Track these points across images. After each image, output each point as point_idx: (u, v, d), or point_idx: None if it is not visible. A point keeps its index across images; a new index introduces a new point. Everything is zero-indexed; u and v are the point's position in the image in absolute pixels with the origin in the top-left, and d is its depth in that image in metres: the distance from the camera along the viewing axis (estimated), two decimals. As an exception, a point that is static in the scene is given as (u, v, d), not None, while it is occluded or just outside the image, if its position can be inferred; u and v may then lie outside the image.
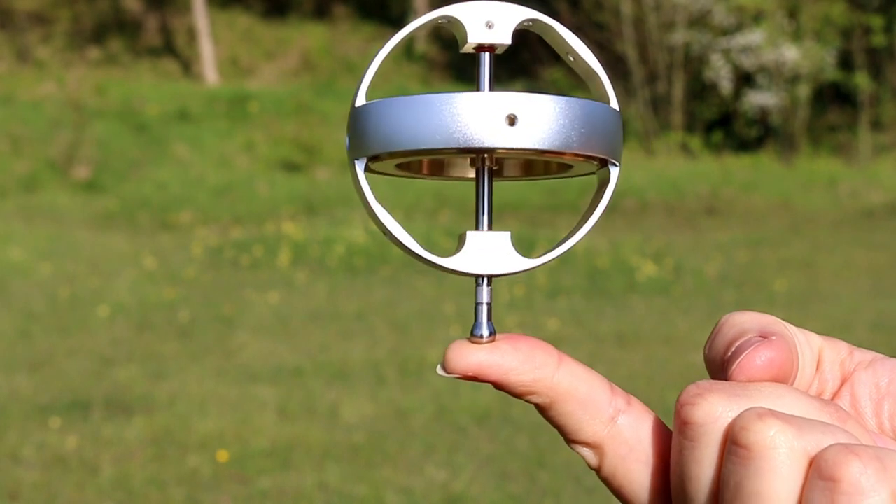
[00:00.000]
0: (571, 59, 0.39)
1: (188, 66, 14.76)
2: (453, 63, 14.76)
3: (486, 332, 0.37)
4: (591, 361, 4.40)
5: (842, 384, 0.39)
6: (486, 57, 0.38)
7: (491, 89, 0.38)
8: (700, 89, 12.71)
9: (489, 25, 0.38)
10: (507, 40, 0.38)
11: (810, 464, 0.33)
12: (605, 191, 0.38)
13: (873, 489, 0.32)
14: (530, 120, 0.36)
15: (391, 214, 0.37)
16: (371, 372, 4.27)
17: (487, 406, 3.72)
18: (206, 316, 5.28)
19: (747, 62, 12.31)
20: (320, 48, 15.05)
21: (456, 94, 0.36)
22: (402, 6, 15.53)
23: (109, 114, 11.60)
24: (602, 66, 0.39)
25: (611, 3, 12.71)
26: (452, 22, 0.38)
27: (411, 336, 4.89)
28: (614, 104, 0.38)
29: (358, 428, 3.60)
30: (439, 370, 0.37)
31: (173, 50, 15.19)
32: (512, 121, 0.35)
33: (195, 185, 9.66)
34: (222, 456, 3.31)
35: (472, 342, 0.37)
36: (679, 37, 12.50)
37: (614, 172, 0.38)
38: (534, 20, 0.38)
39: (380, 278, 6.24)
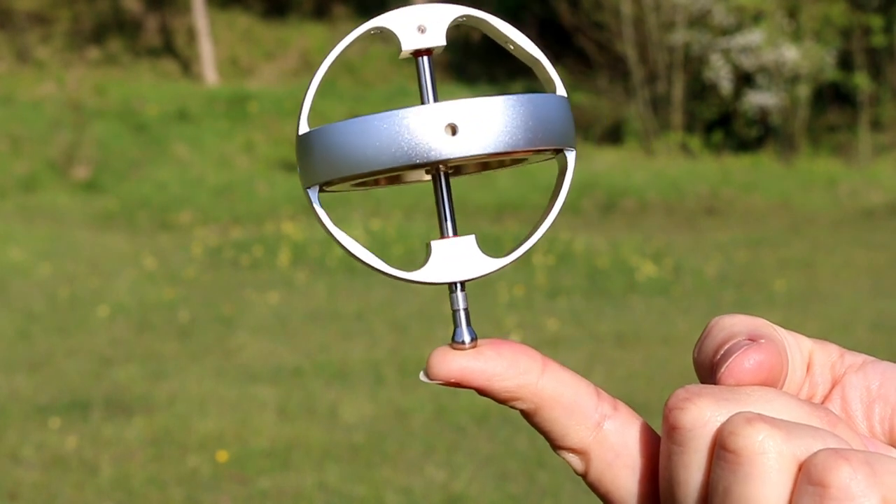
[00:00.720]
0: (511, 48, 0.39)
1: (188, 67, 14.76)
2: (454, 63, 14.74)
3: (467, 338, 0.37)
4: (590, 361, 4.40)
5: (832, 387, 0.38)
6: (424, 62, 0.38)
7: (434, 94, 0.38)
8: (700, 89, 12.69)
9: (421, 30, 0.37)
10: (442, 42, 0.38)
11: (799, 469, 0.33)
12: (564, 177, 0.38)
13: (863, 494, 0.32)
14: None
15: (352, 237, 0.37)
16: (370, 372, 4.27)
17: (486, 406, 3.71)
18: (205, 316, 5.28)
19: (747, 62, 12.29)
20: (320, 48, 15.03)
21: (395, 112, 0.35)
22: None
23: (109, 114, 11.59)
24: (542, 51, 0.38)
25: (611, 3, 12.69)
26: (384, 31, 0.38)
27: (411, 336, 4.89)
28: (560, 90, 0.38)
29: (357, 428, 3.59)
30: (422, 377, 0.37)
31: (173, 50, 15.19)
32: (454, 130, 0.35)
33: (195, 185, 9.66)
34: (222, 456, 3.31)
35: (455, 348, 0.37)
36: (679, 37, 12.49)
37: (570, 157, 0.38)
38: (466, 16, 0.38)
39: (379, 279, 6.23)
